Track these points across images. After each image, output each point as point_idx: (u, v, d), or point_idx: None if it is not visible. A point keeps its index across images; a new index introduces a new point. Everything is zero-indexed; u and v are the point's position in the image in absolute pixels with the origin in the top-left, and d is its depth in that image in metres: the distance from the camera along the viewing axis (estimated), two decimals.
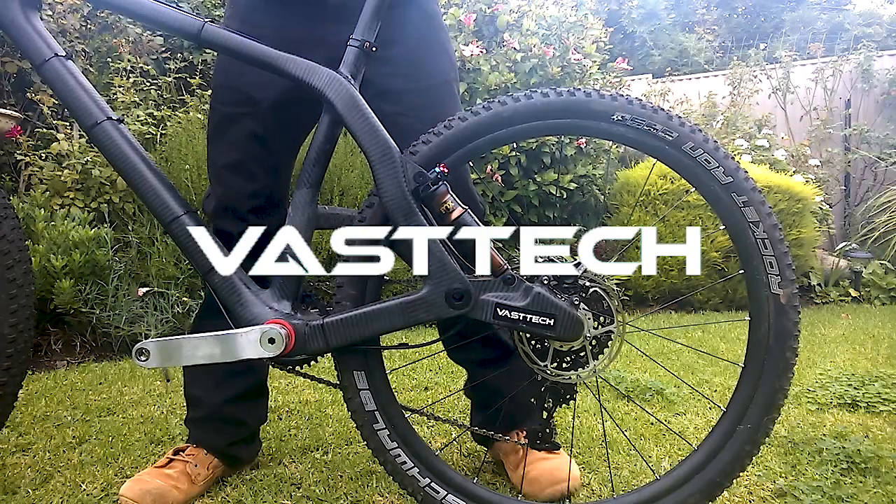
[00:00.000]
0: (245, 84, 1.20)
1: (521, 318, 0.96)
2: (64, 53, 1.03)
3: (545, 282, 0.98)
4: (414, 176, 0.97)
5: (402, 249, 1.00)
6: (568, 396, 1.03)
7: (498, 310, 0.97)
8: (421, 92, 1.18)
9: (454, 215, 0.98)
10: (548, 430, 1.04)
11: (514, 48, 3.78)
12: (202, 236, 1.03)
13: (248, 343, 0.99)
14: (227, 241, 1.26)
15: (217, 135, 1.27)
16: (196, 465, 1.27)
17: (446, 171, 0.99)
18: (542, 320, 0.96)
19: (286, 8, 1.19)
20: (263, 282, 1.06)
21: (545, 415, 1.04)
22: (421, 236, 0.96)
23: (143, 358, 1.00)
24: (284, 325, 0.99)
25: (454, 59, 1.32)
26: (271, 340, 0.98)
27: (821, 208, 4.58)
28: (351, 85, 1.01)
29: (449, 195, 0.98)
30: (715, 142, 0.98)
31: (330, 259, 2.99)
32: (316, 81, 1.00)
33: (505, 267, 0.99)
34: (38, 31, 1.02)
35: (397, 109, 1.15)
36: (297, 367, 1.07)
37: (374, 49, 1.06)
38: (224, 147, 1.25)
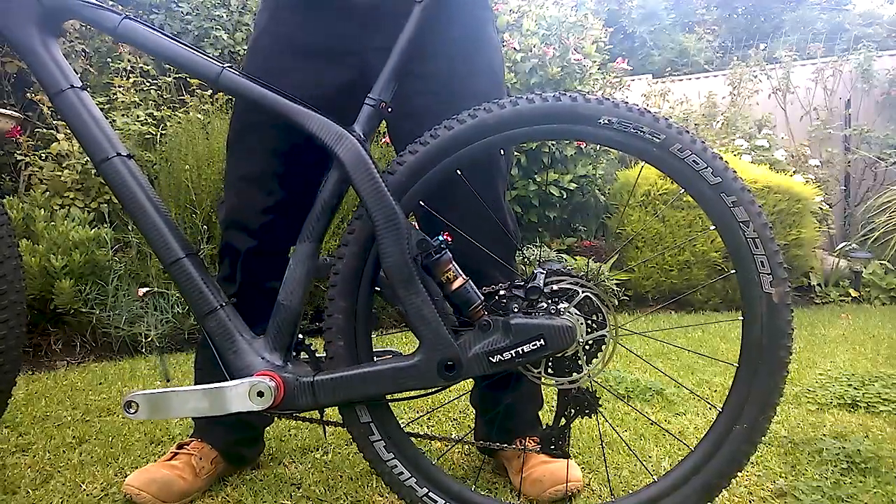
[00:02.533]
0: None
1: (514, 355, 0.96)
2: (80, 84, 1.03)
3: (515, 308, 0.98)
4: (417, 242, 0.97)
5: (402, 312, 1.00)
6: (591, 408, 1.02)
7: (490, 359, 0.97)
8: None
9: (454, 286, 0.98)
10: (562, 438, 1.04)
11: (514, 48, 3.78)
12: (200, 279, 1.03)
13: (237, 396, 0.99)
14: (232, 258, 1.26)
15: (237, 143, 1.26)
16: (200, 459, 1.27)
17: (450, 239, 0.99)
18: (533, 345, 0.96)
19: (315, 8, 1.18)
20: (258, 329, 1.06)
21: (563, 421, 1.04)
22: (419, 304, 0.96)
23: (132, 410, 1.00)
24: (274, 378, 0.99)
25: (501, 81, 1.27)
26: (260, 394, 0.98)
27: (821, 208, 4.58)
28: (361, 145, 1.00)
29: (451, 265, 0.98)
30: (703, 143, 0.99)
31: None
32: (327, 137, 1.00)
33: (481, 313, 0.98)
34: (55, 61, 1.02)
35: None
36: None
37: (389, 110, 1.05)
38: (243, 156, 1.25)
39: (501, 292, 1.00)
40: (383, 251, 0.96)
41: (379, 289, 1.04)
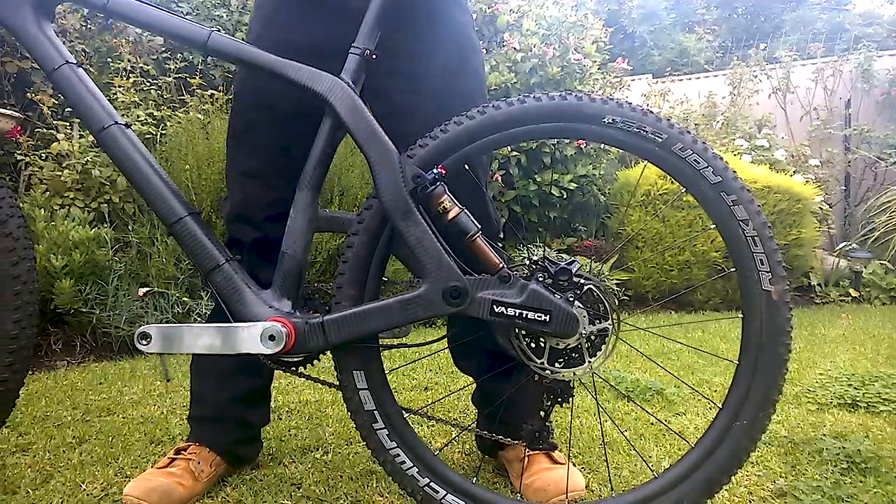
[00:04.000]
0: (267, 90, 1.21)
1: (516, 314, 0.97)
2: (74, 61, 1.06)
3: (540, 279, 0.99)
4: (412, 177, 0.99)
5: (401, 249, 1.01)
6: (565, 396, 1.04)
7: (494, 306, 0.98)
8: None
9: (451, 215, 0.99)
10: (544, 431, 1.05)
11: (514, 48, 3.79)
12: (204, 236, 1.05)
13: (249, 337, 1.00)
14: (238, 252, 1.27)
15: (238, 140, 1.28)
16: (199, 462, 1.27)
17: (444, 172, 1.00)
18: (538, 316, 0.97)
19: (307, 11, 1.20)
20: (264, 282, 1.07)
21: (542, 414, 1.05)
22: (418, 235, 0.97)
23: (144, 342, 1.02)
24: (285, 324, 1.01)
25: (483, 81, 1.31)
26: (272, 337, 1.00)
27: (821, 208, 4.59)
28: (352, 90, 1.03)
29: (446, 195, 0.99)
30: (704, 143, 1.01)
31: (330, 259, 2.99)
32: (318, 87, 1.03)
33: (500, 265, 1.00)
34: (49, 39, 1.05)
35: (415, 130, 1.09)
36: (297, 369, 1.08)
37: (374, 57, 1.08)
38: (244, 153, 1.27)
39: (535, 258, 1.02)
40: (379, 187, 0.98)
41: (386, 280, 1.06)
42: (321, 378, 1.12)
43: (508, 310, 0.97)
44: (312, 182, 1.06)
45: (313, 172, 1.06)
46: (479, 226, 1.01)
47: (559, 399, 1.04)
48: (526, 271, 1.02)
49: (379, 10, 1.07)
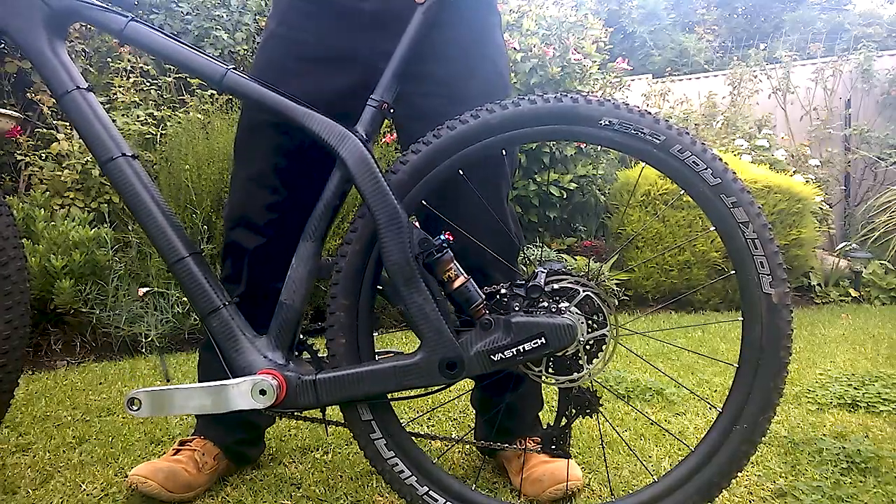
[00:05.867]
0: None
1: (515, 353, 0.97)
2: (86, 85, 1.05)
3: (517, 307, 0.99)
4: (419, 242, 0.98)
5: (403, 310, 1.00)
6: (592, 407, 1.03)
7: (491, 357, 0.97)
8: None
9: (456, 285, 0.99)
10: (563, 438, 1.04)
11: (514, 48, 3.78)
12: (203, 278, 1.04)
13: (240, 394, 1.00)
14: (238, 257, 1.27)
15: (244, 142, 1.27)
16: (203, 454, 1.28)
17: (451, 238, 1.00)
18: (534, 343, 0.97)
19: (322, 13, 1.19)
20: (260, 329, 1.06)
21: (564, 422, 1.04)
22: (420, 303, 0.97)
23: (134, 408, 1.01)
24: (276, 377, 1.00)
25: (507, 84, 1.28)
26: (262, 392, 0.99)
27: (821, 208, 4.58)
28: (364, 145, 1.01)
29: (452, 264, 0.99)
30: (703, 144, 0.99)
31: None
32: (330, 138, 1.01)
33: (482, 312, 0.99)
34: (62, 62, 1.04)
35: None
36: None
37: (392, 111, 1.07)
38: (250, 155, 1.26)
39: (503, 291, 1.00)
40: (385, 250, 0.97)
41: (381, 288, 1.04)
42: (316, 417, 1.10)
43: (506, 353, 0.97)
44: (317, 234, 1.04)
45: (318, 223, 1.04)
46: (483, 296, 1.00)
47: (586, 410, 1.03)
48: (503, 303, 1.00)
49: (400, 65, 1.05)
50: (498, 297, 1.00)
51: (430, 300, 0.97)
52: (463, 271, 1.00)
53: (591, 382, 1.03)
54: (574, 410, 1.03)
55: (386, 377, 0.99)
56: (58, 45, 1.04)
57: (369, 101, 1.05)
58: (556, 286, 1.00)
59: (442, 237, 0.99)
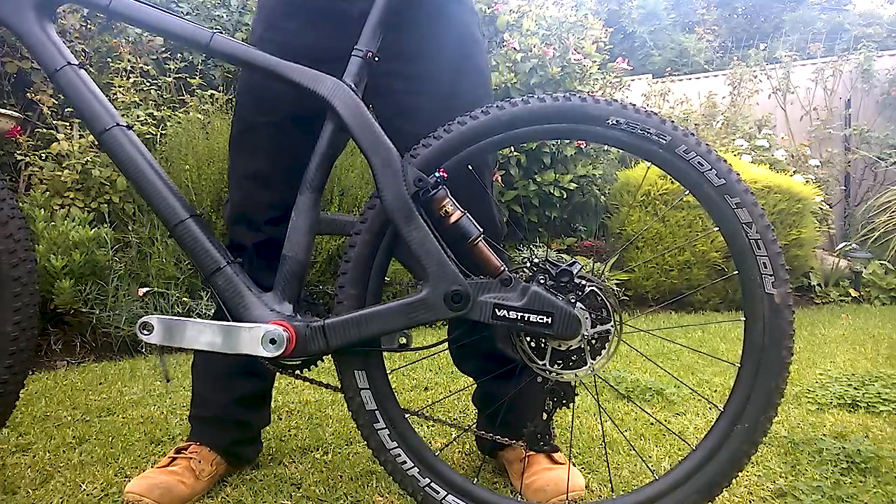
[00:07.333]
0: (267, 92, 1.21)
1: (518, 317, 0.97)
2: (77, 62, 1.06)
3: (542, 281, 0.99)
4: (414, 180, 0.99)
5: (403, 252, 1.01)
6: (567, 399, 1.04)
7: (496, 310, 0.98)
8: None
9: (452, 219, 0.99)
10: (546, 432, 1.04)
11: (514, 48, 3.78)
12: (206, 238, 1.05)
13: (251, 339, 1.00)
14: (239, 255, 1.27)
15: (239, 142, 1.28)
16: (200, 461, 1.27)
17: (445, 175, 1.00)
18: (540, 318, 0.97)
19: (309, 15, 1.19)
20: (266, 285, 1.07)
21: (544, 416, 1.05)
22: (420, 238, 0.97)
23: (146, 332, 1.01)
24: (286, 327, 1.00)
25: (488, 80, 1.30)
26: (273, 341, 1.00)
27: (821, 208, 4.59)
28: (354, 92, 1.03)
29: (448, 199, 0.99)
30: (707, 145, 1.00)
31: (330, 260, 2.99)
32: (321, 89, 1.02)
33: (502, 268, 1.00)
34: (52, 40, 1.05)
35: (420, 130, 1.07)
36: (298, 372, 1.08)
37: (376, 59, 1.08)
38: (246, 154, 1.27)
39: (536, 260, 1.02)
40: (382, 190, 0.98)
41: (388, 281, 1.06)
42: (322, 380, 1.12)
43: (510, 313, 0.97)
44: (314, 184, 1.06)
45: (315, 175, 1.06)
46: (482, 229, 1.01)
47: (562, 402, 1.04)
48: (527, 273, 1.02)
49: (382, 13, 1.07)
50: (531, 265, 1.02)
51: (430, 235, 0.98)
52: (459, 206, 1.00)
53: (594, 378, 1.03)
54: (551, 403, 1.04)
55: (394, 315, 0.99)
56: (47, 25, 1.05)
57: (354, 51, 1.06)
58: (582, 282, 1.01)
59: (437, 174, 0.99)
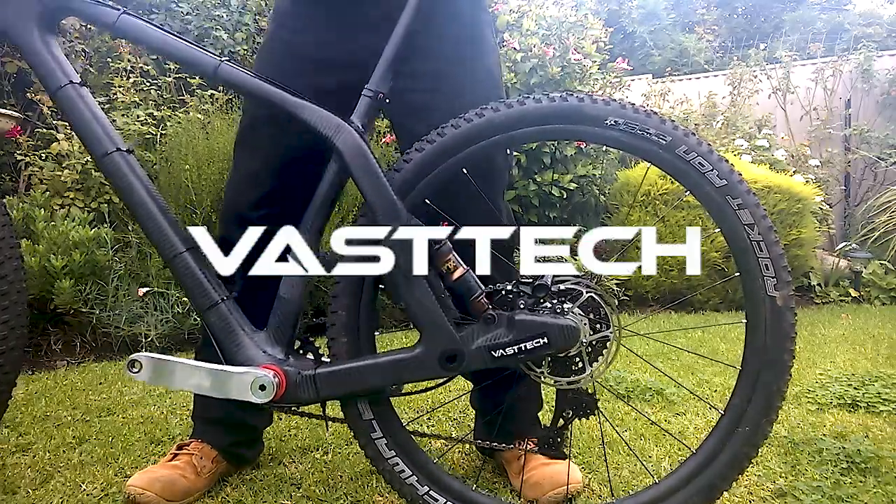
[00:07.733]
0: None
1: (516, 351, 0.96)
2: (79, 80, 1.04)
3: (521, 305, 0.98)
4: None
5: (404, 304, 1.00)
6: (588, 410, 1.02)
7: (492, 353, 0.97)
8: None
9: (455, 276, 0.99)
10: (559, 439, 1.04)
11: (514, 48, 3.78)
12: (201, 273, 1.03)
13: (240, 384, 0.99)
14: (228, 252, 1.26)
15: (243, 138, 1.28)
16: (201, 458, 1.28)
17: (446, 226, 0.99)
18: (536, 343, 0.96)
19: (323, 15, 1.19)
20: (259, 324, 1.06)
21: (561, 422, 1.03)
22: (419, 296, 0.96)
23: (135, 369, 1.00)
24: (276, 372, 0.99)
25: (499, 80, 1.28)
26: (262, 387, 0.98)
27: (821, 208, 4.58)
28: (359, 135, 1.00)
29: (451, 255, 0.98)
30: (708, 145, 0.98)
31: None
32: (325, 129, 1.00)
33: (485, 307, 0.99)
34: (55, 57, 1.03)
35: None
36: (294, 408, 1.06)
37: (387, 101, 1.06)
38: (248, 150, 1.27)
39: (508, 287, 1.00)
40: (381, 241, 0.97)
41: (383, 287, 1.04)
42: (316, 414, 1.09)
43: (507, 350, 0.97)
44: (314, 227, 1.03)
45: (315, 216, 1.03)
46: (483, 288, 0.99)
47: (583, 412, 1.02)
48: (507, 300, 1.00)
49: (394, 53, 1.05)
50: (503, 293, 1.00)
51: (430, 293, 0.96)
52: (462, 262, 0.99)
53: (592, 384, 1.03)
54: (571, 412, 1.02)
55: (385, 370, 0.99)
56: (50, 41, 1.03)
57: (364, 91, 1.04)
58: (561, 287, 1.00)
59: (443, 238, 0.98)
